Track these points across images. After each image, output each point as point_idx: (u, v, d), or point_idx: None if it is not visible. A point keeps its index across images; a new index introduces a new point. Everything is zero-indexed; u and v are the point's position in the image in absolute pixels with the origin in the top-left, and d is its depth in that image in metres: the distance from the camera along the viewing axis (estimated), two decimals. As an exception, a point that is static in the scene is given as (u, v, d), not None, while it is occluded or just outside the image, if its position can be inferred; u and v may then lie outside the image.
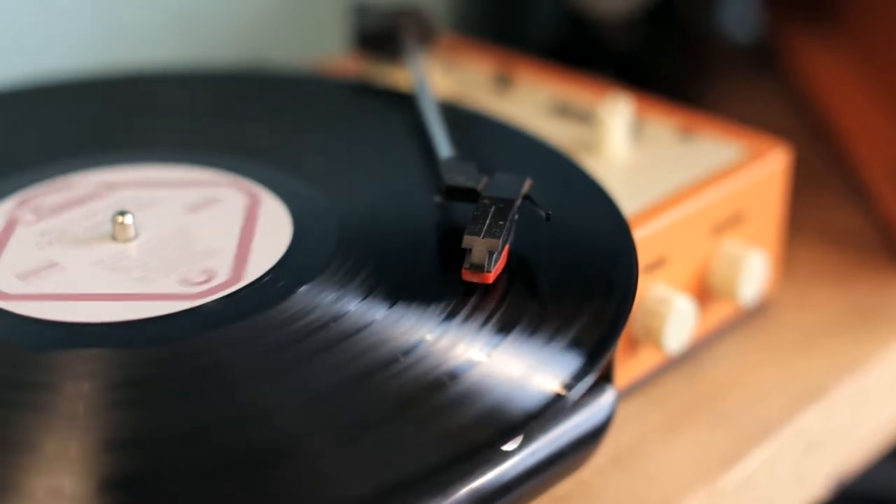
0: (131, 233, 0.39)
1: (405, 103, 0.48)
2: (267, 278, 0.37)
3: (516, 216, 0.38)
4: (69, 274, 0.38)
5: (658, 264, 0.43)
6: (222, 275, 0.37)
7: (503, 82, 0.53)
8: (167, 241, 0.39)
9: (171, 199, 0.41)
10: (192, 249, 0.39)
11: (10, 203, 0.42)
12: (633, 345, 0.44)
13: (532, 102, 0.51)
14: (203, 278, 0.37)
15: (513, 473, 0.33)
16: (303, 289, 0.36)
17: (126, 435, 0.32)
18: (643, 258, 0.41)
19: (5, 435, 0.32)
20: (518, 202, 0.38)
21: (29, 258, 0.39)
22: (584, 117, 0.50)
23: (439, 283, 0.37)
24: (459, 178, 0.40)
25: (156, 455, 0.31)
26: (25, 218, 0.41)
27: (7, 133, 0.47)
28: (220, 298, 0.36)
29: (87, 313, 0.36)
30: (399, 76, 0.52)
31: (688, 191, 0.45)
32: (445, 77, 0.54)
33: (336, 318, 0.35)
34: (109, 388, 0.33)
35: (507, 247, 0.37)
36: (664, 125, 0.49)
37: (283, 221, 0.40)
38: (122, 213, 0.39)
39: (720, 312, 0.47)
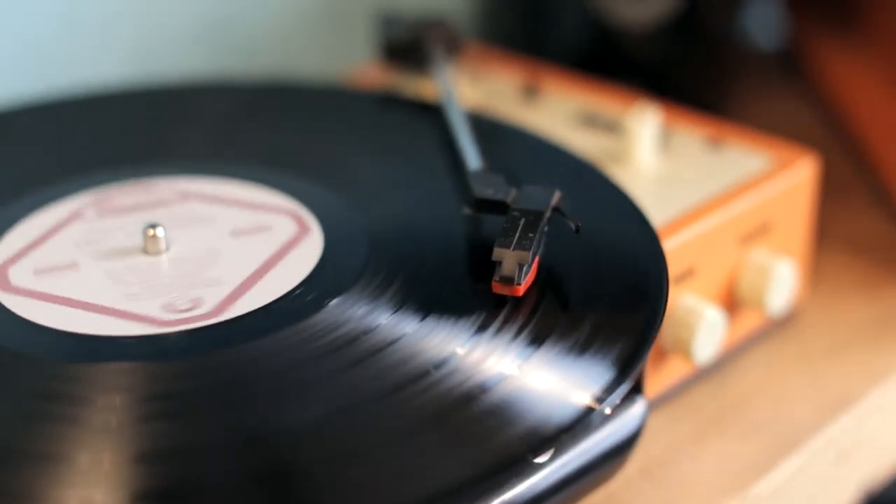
0: (162, 246, 0.40)
1: (433, 114, 0.48)
2: (297, 292, 0.37)
3: (546, 228, 0.38)
4: (79, 278, 0.38)
5: (687, 275, 0.43)
6: (206, 307, 0.37)
7: (530, 93, 0.53)
8: (187, 261, 0.39)
9: (224, 218, 0.42)
10: (202, 274, 0.39)
11: (83, 198, 0.43)
12: (663, 355, 0.44)
13: (559, 113, 0.51)
14: (187, 306, 0.37)
15: (543, 486, 0.33)
16: (333, 302, 0.36)
17: (158, 448, 0.32)
18: (672, 269, 0.41)
19: (38, 447, 0.32)
20: (547, 214, 0.38)
21: (58, 255, 0.40)
22: (612, 127, 0.50)
23: (470, 295, 0.37)
24: (488, 191, 0.40)
25: (187, 468, 0.31)
26: (87, 214, 0.42)
27: (47, 143, 0.48)
28: (182, 332, 0.36)
29: (70, 321, 0.36)
30: (426, 87, 0.52)
31: (716, 201, 0.45)
32: (472, 88, 0.54)
33: (367, 331, 0.35)
34: (141, 401, 0.33)
35: (536, 259, 0.37)
36: (692, 135, 0.49)
37: (314, 236, 0.40)
38: (153, 226, 0.39)
39: (749, 322, 0.47)
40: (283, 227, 0.41)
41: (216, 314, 0.36)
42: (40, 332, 0.36)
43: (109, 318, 0.36)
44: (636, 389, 0.38)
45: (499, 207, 0.39)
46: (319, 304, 0.36)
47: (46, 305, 0.37)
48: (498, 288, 0.36)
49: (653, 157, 0.48)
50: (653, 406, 0.44)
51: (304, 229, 0.40)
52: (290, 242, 0.40)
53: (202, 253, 0.39)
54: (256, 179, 0.43)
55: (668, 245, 0.42)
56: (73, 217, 0.42)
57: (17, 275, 0.39)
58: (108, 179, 0.44)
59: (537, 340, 0.35)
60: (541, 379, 0.34)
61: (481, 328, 0.36)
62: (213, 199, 0.42)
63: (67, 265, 0.39)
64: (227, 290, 0.37)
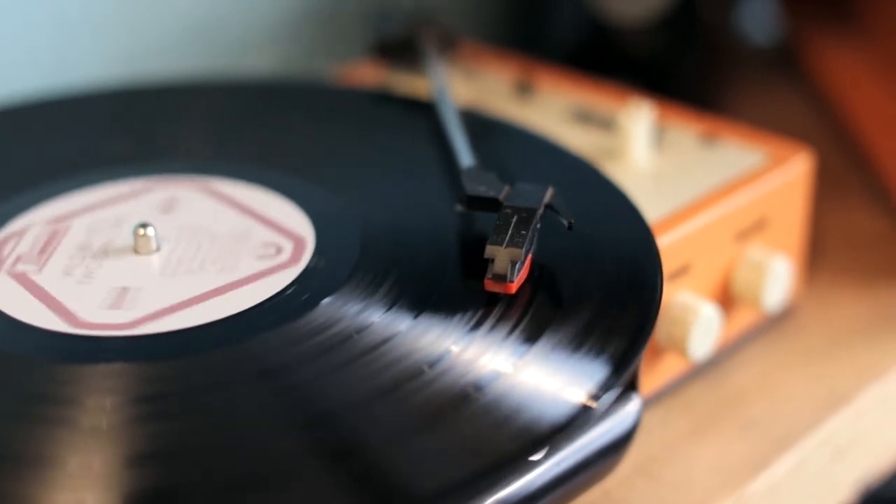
0: (153, 245, 0.39)
1: (426, 112, 0.48)
2: (289, 291, 0.37)
3: (539, 225, 0.38)
4: (65, 274, 0.38)
5: (682, 271, 0.43)
6: (198, 306, 0.37)
7: (524, 89, 0.53)
8: (178, 261, 0.39)
9: (215, 216, 0.41)
10: (193, 273, 0.38)
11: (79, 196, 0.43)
12: (658, 352, 0.44)
13: (553, 110, 0.51)
14: (179, 305, 0.37)
15: (538, 484, 0.33)
16: (326, 301, 0.36)
17: (149, 449, 0.32)
18: (667, 266, 0.41)
19: (28, 450, 0.32)
20: (540, 211, 0.38)
21: (49, 249, 0.40)
22: (606, 124, 0.50)
23: (463, 293, 0.37)
24: (481, 188, 0.39)
25: (178, 470, 0.31)
26: (82, 212, 0.42)
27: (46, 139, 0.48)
28: (174, 332, 0.36)
29: (49, 319, 0.36)
30: (419, 84, 0.52)
31: (711, 197, 0.44)
32: (466, 85, 0.53)
33: (360, 329, 0.35)
34: (132, 403, 0.33)
35: (529, 256, 0.37)
36: (686, 131, 0.49)
37: (306, 233, 0.40)
38: (144, 226, 0.39)
39: (744, 319, 0.47)
40: (279, 229, 0.40)
41: (208, 314, 0.36)
42: (26, 330, 0.36)
43: (91, 316, 0.36)
44: (631, 386, 0.38)
45: (491, 204, 0.39)
46: (311, 303, 0.36)
47: (24, 294, 0.37)
48: (490, 286, 0.36)
49: (647, 153, 0.47)
50: (648, 403, 0.44)
51: (298, 249, 0.40)
52: (284, 243, 0.39)
53: (193, 253, 0.39)
54: (248, 178, 0.43)
55: (663, 241, 0.42)
56: (70, 215, 0.42)
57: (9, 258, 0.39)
58: (103, 178, 0.44)
59: (531, 338, 0.35)
60: (535, 377, 0.34)
61: (475, 326, 0.35)
62: (205, 197, 0.42)
63: (56, 261, 0.39)
64: (217, 290, 0.37)
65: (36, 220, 0.41)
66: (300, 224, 0.40)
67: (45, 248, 0.40)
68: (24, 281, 0.38)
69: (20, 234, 0.41)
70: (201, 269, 0.38)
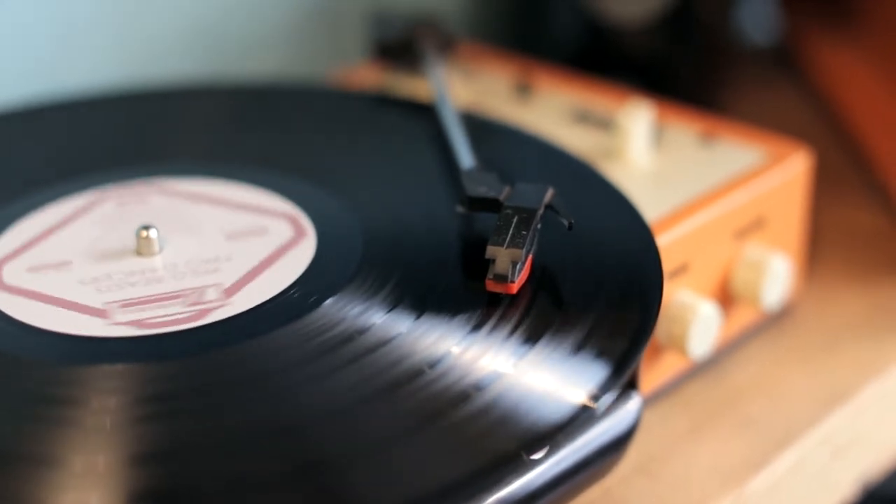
0: (155, 247, 0.39)
1: (425, 114, 0.48)
2: (291, 292, 0.37)
3: (539, 226, 0.38)
4: (69, 278, 0.39)
5: (681, 270, 0.43)
6: (199, 308, 0.37)
7: (523, 90, 0.53)
8: (180, 262, 0.39)
9: (218, 219, 0.41)
10: (195, 275, 0.38)
11: (78, 200, 0.43)
12: (657, 351, 0.44)
13: (552, 110, 0.51)
14: (179, 308, 0.37)
15: (538, 483, 0.33)
16: (328, 301, 0.36)
17: (153, 449, 0.32)
18: (666, 265, 0.41)
19: (32, 450, 0.32)
20: (540, 211, 0.38)
21: (52, 255, 0.40)
22: (605, 124, 0.50)
23: (464, 294, 0.37)
24: (481, 189, 0.40)
25: (183, 469, 0.31)
26: (82, 216, 0.42)
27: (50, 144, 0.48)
28: (175, 333, 0.36)
29: (59, 322, 0.36)
30: (419, 86, 0.52)
31: (710, 196, 0.45)
32: (465, 86, 0.54)
33: (362, 330, 0.35)
34: (136, 403, 0.33)
35: (530, 256, 0.37)
36: (685, 131, 0.49)
37: (308, 236, 0.40)
38: (146, 228, 0.39)
39: (744, 317, 0.47)
40: (279, 229, 0.40)
41: (210, 315, 0.36)
42: (31, 333, 0.36)
43: (96, 320, 0.36)
44: (631, 385, 0.38)
45: (492, 205, 0.39)
46: (313, 304, 0.36)
47: (37, 304, 0.37)
48: (492, 286, 0.36)
49: (646, 153, 0.48)
50: (648, 402, 0.44)
51: (299, 231, 0.40)
52: (284, 244, 0.40)
53: (195, 254, 0.39)
54: (250, 180, 0.43)
55: (662, 241, 0.42)
56: (69, 219, 0.42)
57: (10, 273, 0.39)
58: (103, 181, 0.44)
59: (532, 338, 0.35)
60: (535, 377, 0.34)
61: (476, 327, 0.35)
62: (207, 201, 0.42)
63: (60, 265, 0.39)
64: (219, 291, 0.37)
65: (36, 224, 0.41)
66: (302, 226, 0.40)
67: (47, 251, 0.40)
68: (24, 283, 0.38)
69: (21, 236, 0.41)
70: (204, 270, 0.38)
